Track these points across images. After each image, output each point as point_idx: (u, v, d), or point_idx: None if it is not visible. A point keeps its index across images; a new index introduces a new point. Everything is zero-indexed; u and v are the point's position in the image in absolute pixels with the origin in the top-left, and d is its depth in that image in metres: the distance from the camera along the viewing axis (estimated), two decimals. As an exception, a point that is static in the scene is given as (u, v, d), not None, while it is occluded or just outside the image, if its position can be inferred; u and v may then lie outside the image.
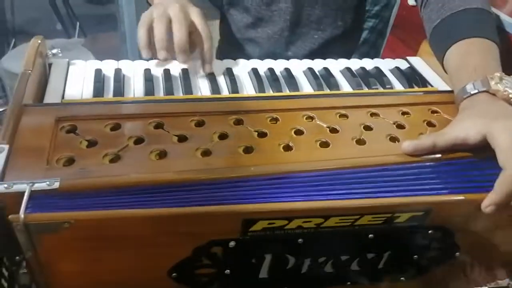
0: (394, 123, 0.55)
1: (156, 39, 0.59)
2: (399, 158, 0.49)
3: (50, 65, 0.61)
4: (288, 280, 0.51)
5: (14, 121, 0.45)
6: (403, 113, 0.58)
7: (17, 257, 0.42)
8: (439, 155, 0.49)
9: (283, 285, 0.52)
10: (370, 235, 0.48)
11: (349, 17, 0.89)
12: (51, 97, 0.55)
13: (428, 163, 0.49)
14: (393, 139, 0.53)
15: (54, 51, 0.60)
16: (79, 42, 2.00)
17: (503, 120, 0.46)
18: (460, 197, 0.46)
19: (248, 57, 0.69)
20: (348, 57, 1.01)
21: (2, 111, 1.48)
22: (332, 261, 0.50)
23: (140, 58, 0.64)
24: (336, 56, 0.94)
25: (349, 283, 0.54)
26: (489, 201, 0.45)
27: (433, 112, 0.59)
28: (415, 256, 0.52)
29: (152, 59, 0.64)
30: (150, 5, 0.77)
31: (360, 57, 1.25)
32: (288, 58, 0.89)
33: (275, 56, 0.90)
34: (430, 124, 0.56)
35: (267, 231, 0.44)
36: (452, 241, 0.51)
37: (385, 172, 0.48)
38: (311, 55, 0.90)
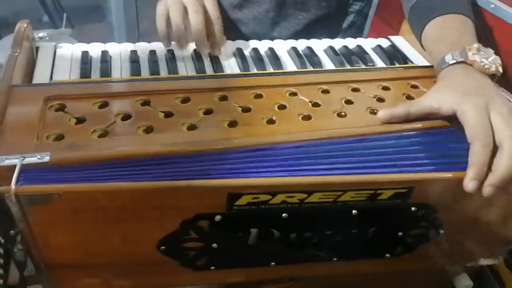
0: (374, 97, 0.57)
1: (173, 29, 0.61)
2: (379, 128, 0.51)
3: (37, 48, 0.62)
4: (275, 254, 0.53)
5: (3, 102, 0.46)
6: (384, 88, 0.60)
7: (11, 231, 0.43)
8: (418, 125, 0.51)
9: (269, 261, 0.54)
10: (354, 211, 0.49)
11: None
12: (39, 78, 0.56)
13: (407, 133, 0.51)
14: (373, 112, 0.55)
15: (41, 34, 0.61)
16: (66, 32, 2.00)
17: (473, 97, 0.48)
18: (443, 175, 0.47)
19: (233, 37, 0.71)
20: (333, 38, 1.03)
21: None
22: (318, 237, 0.52)
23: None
24: (320, 37, 0.95)
25: (335, 258, 0.55)
26: (468, 177, 0.45)
27: (413, 86, 0.61)
28: (400, 233, 0.54)
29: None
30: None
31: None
32: (272, 39, 0.91)
33: (260, 37, 0.91)
34: (409, 97, 0.58)
35: (252, 205, 0.46)
36: (436, 219, 0.52)
37: (365, 143, 0.49)
38: (296, 36, 0.91)
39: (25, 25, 0.60)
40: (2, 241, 0.45)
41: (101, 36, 2.17)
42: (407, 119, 0.50)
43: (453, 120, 0.49)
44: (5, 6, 2.58)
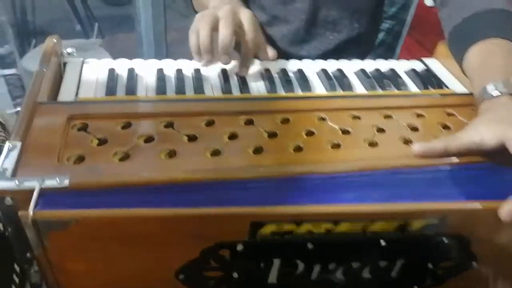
0: (408, 125, 0.54)
1: (200, 40, 0.59)
2: (412, 161, 0.48)
3: (65, 64, 0.62)
4: (297, 286, 0.51)
5: (27, 119, 0.45)
6: (418, 116, 0.57)
7: (28, 254, 0.42)
8: (454, 160, 0.47)
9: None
10: (383, 242, 0.47)
11: (366, 19, 0.88)
12: (65, 95, 0.56)
13: (443, 168, 0.48)
14: (407, 141, 0.52)
15: (69, 50, 0.61)
16: (97, 42, 2.04)
17: None
18: (478, 205, 0.44)
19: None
20: (363, 58, 1.00)
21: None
22: (343, 268, 0.49)
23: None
24: (351, 57, 0.93)
25: (361, 290, 0.52)
26: (508, 209, 0.42)
27: (449, 114, 0.57)
28: (430, 265, 0.51)
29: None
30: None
31: (375, 59, 1.23)
32: (301, 58, 0.89)
33: (288, 56, 0.89)
34: (445, 127, 0.55)
35: (276, 235, 0.44)
36: (469, 250, 0.49)
37: (397, 175, 0.47)
38: (325, 56, 0.89)
39: (55, 40, 0.60)
40: (19, 261, 0.44)
41: (130, 46, 2.21)
42: (444, 156, 0.47)
43: (492, 155, 0.46)
44: (41, 15, 2.66)
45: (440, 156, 0.47)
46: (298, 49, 0.89)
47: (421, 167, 0.48)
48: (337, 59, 0.86)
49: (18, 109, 1.49)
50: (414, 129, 0.54)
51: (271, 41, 0.88)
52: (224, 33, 0.58)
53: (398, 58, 1.10)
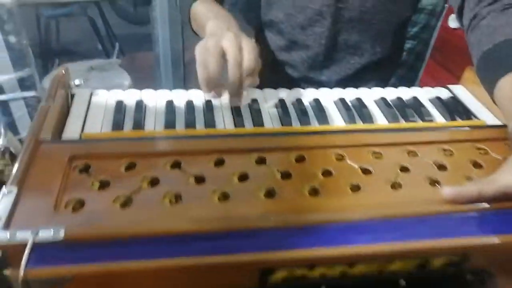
0: (434, 163, 0.50)
1: (210, 75, 0.55)
2: (440, 207, 0.43)
3: (73, 96, 0.60)
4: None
5: (26, 161, 0.43)
6: (445, 152, 0.52)
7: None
8: (486, 205, 0.43)
9: None
10: (402, 282, 0.43)
11: (389, 42, 0.84)
12: (70, 130, 0.53)
13: (472, 214, 0.43)
14: (433, 182, 0.48)
15: (77, 82, 0.59)
16: (116, 62, 2.06)
17: None
18: (503, 239, 0.40)
19: (280, 80, 0.65)
20: (386, 81, 0.96)
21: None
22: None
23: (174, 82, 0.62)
24: (373, 81, 0.89)
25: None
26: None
27: (480, 150, 0.53)
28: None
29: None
30: (196, 34, 0.75)
31: (397, 80, 1.18)
32: (322, 83, 0.86)
33: (307, 80, 0.86)
34: (476, 164, 0.50)
35: (287, 281, 0.40)
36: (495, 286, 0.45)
37: (422, 223, 0.42)
38: (346, 80, 0.85)
39: (63, 72, 0.59)
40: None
41: (149, 65, 2.22)
42: (477, 201, 0.42)
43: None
44: (64, 35, 2.72)
45: (473, 201, 0.43)
46: (317, 73, 0.85)
47: (449, 213, 0.43)
48: (358, 83, 0.82)
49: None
50: (442, 167, 0.50)
51: (289, 66, 0.85)
52: (234, 73, 0.55)
53: (420, 82, 1.05)
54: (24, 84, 1.42)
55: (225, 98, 0.61)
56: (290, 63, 0.85)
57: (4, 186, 0.40)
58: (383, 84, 0.93)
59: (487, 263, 0.43)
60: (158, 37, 1.81)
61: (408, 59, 1.34)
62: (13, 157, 0.66)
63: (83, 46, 2.87)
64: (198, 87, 0.57)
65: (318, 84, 0.86)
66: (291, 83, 0.72)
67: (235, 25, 0.63)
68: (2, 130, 0.68)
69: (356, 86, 0.87)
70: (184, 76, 1.94)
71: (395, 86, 1.04)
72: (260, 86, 0.62)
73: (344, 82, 0.85)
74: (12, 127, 1.47)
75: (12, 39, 1.33)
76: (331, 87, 0.82)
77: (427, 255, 0.40)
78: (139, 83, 2.01)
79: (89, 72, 2.01)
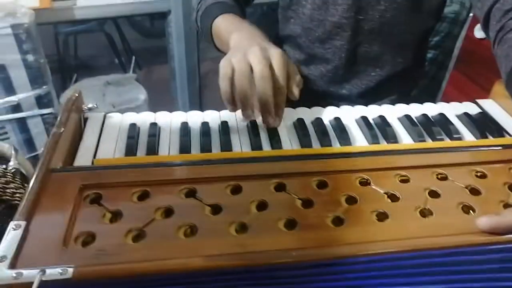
0: (466, 187, 0.47)
1: (239, 97, 0.53)
2: (477, 238, 0.40)
3: (86, 119, 0.58)
4: None
5: (36, 193, 0.41)
6: (478, 174, 0.49)
7: None
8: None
9: None
10: None
11: (410, 52, 0.81)
12: (82, 156, 0.52)
13: (513, 245, 0.39)
14: (467, 208, 0.44)
15: (90, 105, 0.58)
16: (132, 77, 2.07)
17: None
18: None
19: (300, 95, 0.62)
20: (407, 93, 0.92)
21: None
22: None
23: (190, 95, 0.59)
24: (395, 93, 0.85)
25: None
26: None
27: (516, 172, 0.49)
28: None
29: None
30: (218, 50, 0.73)
31: (419, 92, 1.14)
32: (342, 97, 0.83)
33: (327, 94, 0.83)
34: (512, 188, 0.47)
35: None
36: None
37: (458, 257, 0.39)
38: (368, 93, 0.82)
39: (76, 95, 0.57)
40: None
41: (165, 78, 2.23)
42: None
43: None
44: (82, 51, 2.76)
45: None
46: (338, 87, 0.83)
47: (488, 245, 0.40)
48: (379, 95, 0.79)
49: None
50: (475, 192, 0.46)
51: (309, 80, 0.83)
52: (264, 88, 0.51)
53: (444, 94, 1.01)
54: (41, 101, 1.43)
55: (242, 119, 0.58)
56: (309, 78, 0.83)
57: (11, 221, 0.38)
58: (405, 96, 0.90)
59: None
60: (174, 51, 1.81)
61: (430, 69, 1.30)
62: (23, 179, 0.64)
63: (100, 61, 2.91)
64: (215, 102, 0.55)
65: (339, 98, 0.84)
66: (311, 98, 0.69)
67: (260, 35, 0.60)
68: (13, 152, 0.67)
69: (378, 99, 0.84)
70: (200, 89, 1.93)
71: (417, 97, 1.00)
72: None
73: (366, 95, 0.82)
74: (29, 144, 1.48)
75: (30, 57, 1.34)
76: (352, 101, 0.79)
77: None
78: (155, 96, 2.01)
79: (105, 87, 2.02)
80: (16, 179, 0.61)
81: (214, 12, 0.71)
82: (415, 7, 0.73)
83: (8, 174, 0.60)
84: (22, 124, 1.44)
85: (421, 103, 0.67)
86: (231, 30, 0.64)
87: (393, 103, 0.66)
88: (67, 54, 2.65)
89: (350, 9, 0.72)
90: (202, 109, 0.60)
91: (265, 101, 0.53)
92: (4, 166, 0.61)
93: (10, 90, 1.36)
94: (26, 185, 0.62)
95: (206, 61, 2.01)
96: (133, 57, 2.81)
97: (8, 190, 0.57)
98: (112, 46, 2.67)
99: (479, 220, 0.40)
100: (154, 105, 1.90)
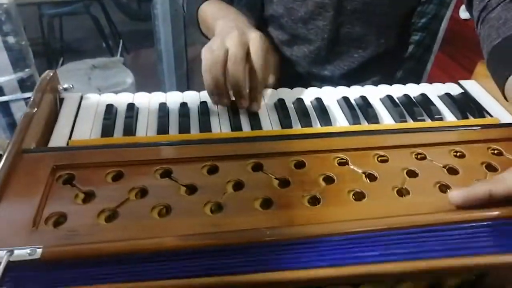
0: (444, 167, 0.47)
1: (214, 84, 0.53)
2: (450, 216, 0.40)
3: (62, 100, 0.57)
4: None
5: (6, 173, 0.40)
6: (456, 154, 0.49)
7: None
8: (499, 212, 0.39)
9: None
10: None
11: (394, 33, 0.80)
12: (57, 137, 0.51)
13: (485, 223, 0.39)
14: (444, 187, 0.44)
15: (66, 86, 0.56)
16: (119, 60, 2.04)
17: None
18: None
19: (283, 75, 0.61)
20: (391, 74, 0.92)
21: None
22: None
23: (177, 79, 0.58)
24: (378, 74, 0.85)
25: None
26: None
27: (494, 152, 0.49)
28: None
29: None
30: (205, 37, 0.72)
31: (405, 74, 1.14)
32: (325, 78, 0.82)
33: (310, 76, 0.82)
34: (490, 167, 0.47)
35: None
36: None
37: (431, 233, 0.39)
38: (350, 74, 0.82)
39: (51, 74, 0.56)
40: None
41: (153, 62, 2.20)
42: (488, 203, 0.39)
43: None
44: (68, 34, 2.71)
45: (483, 203, 0.39)
46: (320, 68, 0.82)
47: (460, 223, 0.40)
48: (362, 76, 0.78)
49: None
50: (453, 171, 0.46)
51: (292, 61, 0.82)
52: (233, 69, 0.51)
53: (429, 75, 1.01)
54: (24, 84, 1.40)
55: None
56: (292, 59, 0.82)
57: (-19, 200, 0.38)
58: (389, 77, 0.89)
59: (507, 285, 0.39)
60: (160, 34, 1.78)
61: (416, 51, 1.29)
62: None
63: (87, 44, 2.86)
64: (203, 86, 0.54)
65: (321, 79, 0.83)
66: (294, 79, 0.69)
67: (243, 21, 0.60)
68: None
69: (361, 80, 0.83)
70: (187, 73, 1.91)
71: (403, 79, 1.00)
72: None
73: (348, 77, 0.82)
74: (12, 128, 1.46)
75: (11, 39, 1.31)
76: (334, 82, 0.78)
77: (441, 274, 0.37)
78: (142, 80, 1.99)
79: (92, 71, 1.99)
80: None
81: None
82: None
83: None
84: (4, 108, 1.41)
85: (405, 84, 0.66)
86: (216, 16, 0.63)
87: (375, 84, 0.66)
88: (52, 37, 2.59)
89: None
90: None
91: (235, 83, 0.52)
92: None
93: (-9, 73, 1.33)
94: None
95: (195, 45, 1.98)
96: (121, 41, 2.76)
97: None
98: (98, 29, 2.62)
99: (450, 194, 0.40)
100: (141, 89, 1.87)
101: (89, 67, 1.99)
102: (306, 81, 0.84)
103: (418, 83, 0.66)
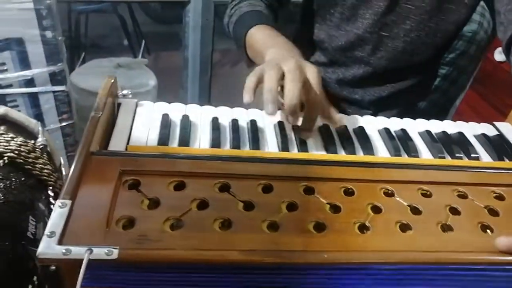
0: (485, 207, 0.49)
1: (266, 89, 0.52)
2: (495, 257, 0.42)
3: (119, 105, 0.60)
4: None
5: (79, 172, 0.43)
6: (496, 195, 0.51)
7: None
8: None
9: None
10: None
11: (427, 69, 0.83)
12: (117, 141, 0.53)
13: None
14: (485, 227, 0.46)
15: (125, 92, 0.59)
16: (143, 62, 2.07)
17: None
18: None
19: None
20: (415, 104, 0.95)
21: (66, 125, 1.53)
22: None
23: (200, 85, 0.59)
24: (404, 104, 0.88)
25: None
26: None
27: (532, 196, 0.51)
28: None
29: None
30: (251, 62, 0.72)
31: (429, 105, 1.16)
32: (353, 101, 0.85)
33: (339, 98, 0.85)
34: (528, 212, 0.49)
35: None
36: None
37: (477, 271, 0.41)
38: (378, 101, 0.84)
39: (112, 81, 0.59)
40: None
41: (175, 65, 2.23)
42: None
43: None
44: (91, 30, 2.75)
45: None
46: (351, 91, 0.85)
47: (506, 264, 0.42)
48: (389, 104, 0.81)
49: (63, 124, 1.52)
50: (494, 212, 0.48)
51: (324, 82, 0.85)
52: (292, 93, 0.51)
53: (457, 110, 1.04)
54: (55, 78, 1.43)
55: (271, 119, 0.60)
56: (325, 80, 0.84)
57: (48, 190, 0.40)
58: (413, 107, 0.92)
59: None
60: (189, 41, 1.82)
61: (442, 84, 1.32)
62: (49, 156, 0.66)
63: (109, 42, 2.90)
64: (223, 94, 0.55)
65: (349, 102, 0.86)
66: None
67: (298, 52, 0.61)
68: (40, 128, 0.69)
69: (386, 108, 0.86)
70: (210, 82, 1.94)
71: (426, 111, 1.02)
72: None
73: (376, 103, 0.84)
74: (39, 120, 1.48)
75: (49, 34, 1.34)
76: (361, 106, 0.81)
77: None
78: (163, 83, 2.02)
79: (116, 69, 2.03)
80: (44, 155, 0.62)
81: (248, 21, 0.71)
82: (439, 30, 0.75)
83: (37, 149, 0.61)
84: (33, 99, 1.45)
85: (430, 117, 0.69)
86: (267, 43, 0.64)
87: (400, 113, 0.68)
88: (77, 33, 2.64)
89: (375, 25, 0.74)
90: (210, 100, 0.61)
91: (291, 104, 0.52)
92: (32, 142, 0.62)
93: (25, 64, 1.37)
94: (53, 164, 0.63)
95: (215, 52, 2.02)
96: (143, 41, 2.81)
97: (37, 166, 0.59)
98: (123, 28, 2.67)
99: (498, 239, 0.42)
100: (162, 93, 1.90)
101: (114, 65, 2.02)
102: (334, 103, 0.87)
103: (441, 115, 0.69)
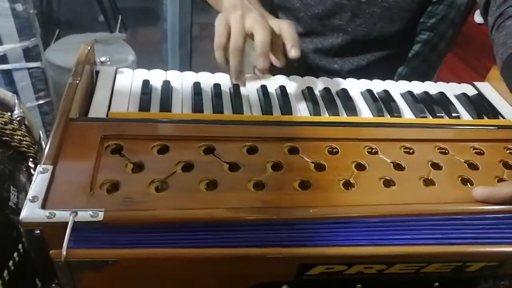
0: (465, 162, 0.50)
1: (232, 33, 0.52)
2: (474, 207, 0.43)
3: (97, 72, 0.58)
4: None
5: (59, 138, 0.42)
6: (476, 151, 0.52)
7: (53, 285, 0.39)
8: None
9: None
10: (436, 284, 0.45)
11: (406, 36, 0.83)
12: (97, 108, 0.52)
13: (507, 215, 0.43)
14: (465, 181, 0.48)
15: (103, 59, 0.58)
16: (120, 37, 2.01)
17: None
18: None
19: (292, 67, 0.63)
20: (394, 72, 0.95)
21: (43, 103, 1.49)
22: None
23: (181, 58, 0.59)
24: (383, 71, 0.88)
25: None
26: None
27: (510, 150, 0.52)
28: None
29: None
30: (210, 7, 0.72)
31: (410, 71, 1.17)
32: (332, 71, 0.84)
33: (319, 68, 0.85)
34: (507, 165, 0.50)
35: (324, 275, 0.41)
36: None
37: (456, 221, 0.42)
38: (358, 70, 0.84)
39: (89, 48, 0.57)
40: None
41: (153, 40, 2.18)
42: (510, 203, 0.42)
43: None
44: (65, 5, 2.65)
45: (504, 203, 0.43)
46: (330, 61, 0.84)
47: (483, 213, 0.43)
48: (369, 73, 0.81)
49: (40, 102, 1.47)
50: (473, 166, 0.49)
51: (302, 53, 0.84)
52: (262, 35, 0.52)
53: (437, 75, 1.05)
54: (29, 54, 1.38)
55: (253, 83, 0.59)
56: (303, 50, 0.83)
57: (38, 165, 0.39)
58: (393, 74, 0.93)
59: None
60: (167, 14, 1.77)
61: (422, 50, 1.32)
62: (28, 129, 0.64)
63: (85, 17, 2.81)
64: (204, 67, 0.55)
65: (329, 72, 0.85)
66: (303, 70, 0.70)
67: (255, 1, 0.61)
68: (16, 100, 0.66)
69: (367, 76, 0.86)
70: (191, 53, 1.90)
71: (407, 77, 1.03)
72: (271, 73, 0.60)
73: (355, 72, 0.84)
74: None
75: (19, 7, 1.29)
76: (341, 76, 0.81)
77: (467, 259, 0.41)
78: (142, 58, 1.98)
79: (94, 45, 1.97)
80: (22, 127, 0.61)
81: None
82: None
83: (14, 121, 0.60)
84: (8, 76, 1.40)
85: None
86: None
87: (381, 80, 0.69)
88: (50, 8, 2.54)
89: None
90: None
91: (263, 44, 0.52)
92: (9, 114, 0.61)
93: (-4, 40, 1.32)
94: (32, 137, 0.62)
95: (194, 26, 1.98)
96: (120, 16, 2.73)
97: (15, 137, 0.57)
98: (99, 3, 2.58)
99: (474, 190, 0.44)
100: (141, 67, 1.86)
101: (91, 41, 1.97)
102: (313, 73, 0.86)
103: (422, 81, 0.69)
